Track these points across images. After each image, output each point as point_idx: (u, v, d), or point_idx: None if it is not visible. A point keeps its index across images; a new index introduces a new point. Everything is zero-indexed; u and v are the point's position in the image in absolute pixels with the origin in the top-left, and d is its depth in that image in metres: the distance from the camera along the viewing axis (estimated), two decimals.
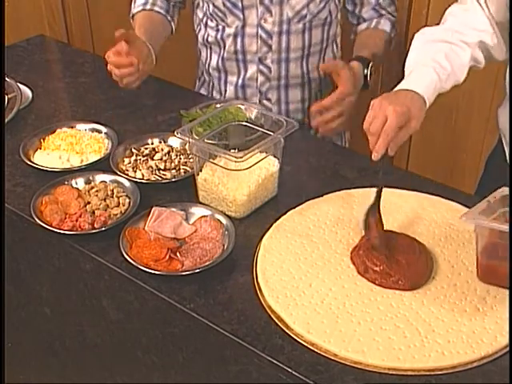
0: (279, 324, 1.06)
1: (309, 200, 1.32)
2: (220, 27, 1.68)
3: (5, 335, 1.47)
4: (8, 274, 1.44)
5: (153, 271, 1.14)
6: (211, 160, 1.28)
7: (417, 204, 1.30)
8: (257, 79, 1.71)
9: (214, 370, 1.16)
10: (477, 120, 2.35)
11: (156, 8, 1.74)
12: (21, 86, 1.69)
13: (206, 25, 1.71)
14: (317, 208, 1.30)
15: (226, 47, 1.69)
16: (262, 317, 1.08)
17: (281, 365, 1.00)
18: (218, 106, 1.50)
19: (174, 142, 1.47)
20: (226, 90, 1.77)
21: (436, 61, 1.28)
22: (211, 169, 1.30)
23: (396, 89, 1.26)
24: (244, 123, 1.35)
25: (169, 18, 1.76)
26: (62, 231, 1.24)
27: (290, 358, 1.01)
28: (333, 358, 1.01)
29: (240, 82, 1.73)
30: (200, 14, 1.73)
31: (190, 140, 1.28)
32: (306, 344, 1.03)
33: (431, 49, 1.32)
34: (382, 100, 1.19)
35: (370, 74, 1.59)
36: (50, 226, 1.25)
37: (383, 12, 1.71)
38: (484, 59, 1.37)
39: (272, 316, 1.08)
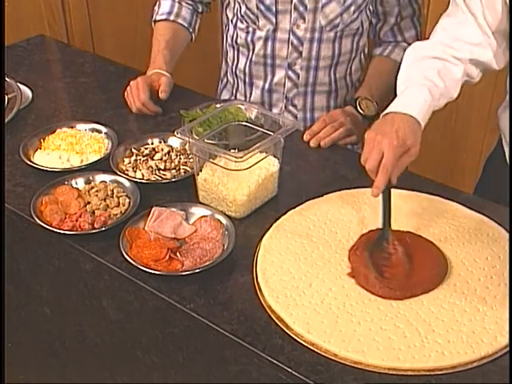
0: (279, 324, 1.06)
1: (309, 200, 1.32)
2: (250, 29, 1.66)
3: (5, 335, 1.47)
4: (8, 274, 1.44)
5: (153, 271, 1.14)
6: (211, 160, 1.28)
7: (417, 204, 1.30)
8: (284, 85, 1.70)
9: (214, 370, 1.16)
10: (477, 120, 2.35)
11: (179, 20, 1.74)
12: (21, 86, 1.69)
13: (235, 26, 1.70)
14: (317, 208, 1.30)
15: (256, 50, 1.67)
16: (262, 317, 1.08)
17: (281, 365, 1.00)
18: (218, 106, 1.50)
19: (174, 142, 1.47)
20: (251, 94, 1.75)
21: (428, 78, 1.25)
22: (211, 169, 1.30)
23: (389, 109, 1.23)
24: (244, 123, 1.35)
25: (190, 30, 1.76)
26: (62, 231, 1.24)
27: (290, 358, 1.01)
28: (333, 357, 1.01)
29: (267, 86, 1.72)
30: (230, 15, 1.71)
31: (190, 140, 1.28)
32: (306, 344, 1.03)
33: (423, 66, 1.29)
34: (376, 134, 1.18)
35: (362, 109, 1.59)
36: (50, 225, 1.25)
37: (399, 38, 1.69)
38: (480, 72, 1.34)
39: (272, 316, 1.08)
